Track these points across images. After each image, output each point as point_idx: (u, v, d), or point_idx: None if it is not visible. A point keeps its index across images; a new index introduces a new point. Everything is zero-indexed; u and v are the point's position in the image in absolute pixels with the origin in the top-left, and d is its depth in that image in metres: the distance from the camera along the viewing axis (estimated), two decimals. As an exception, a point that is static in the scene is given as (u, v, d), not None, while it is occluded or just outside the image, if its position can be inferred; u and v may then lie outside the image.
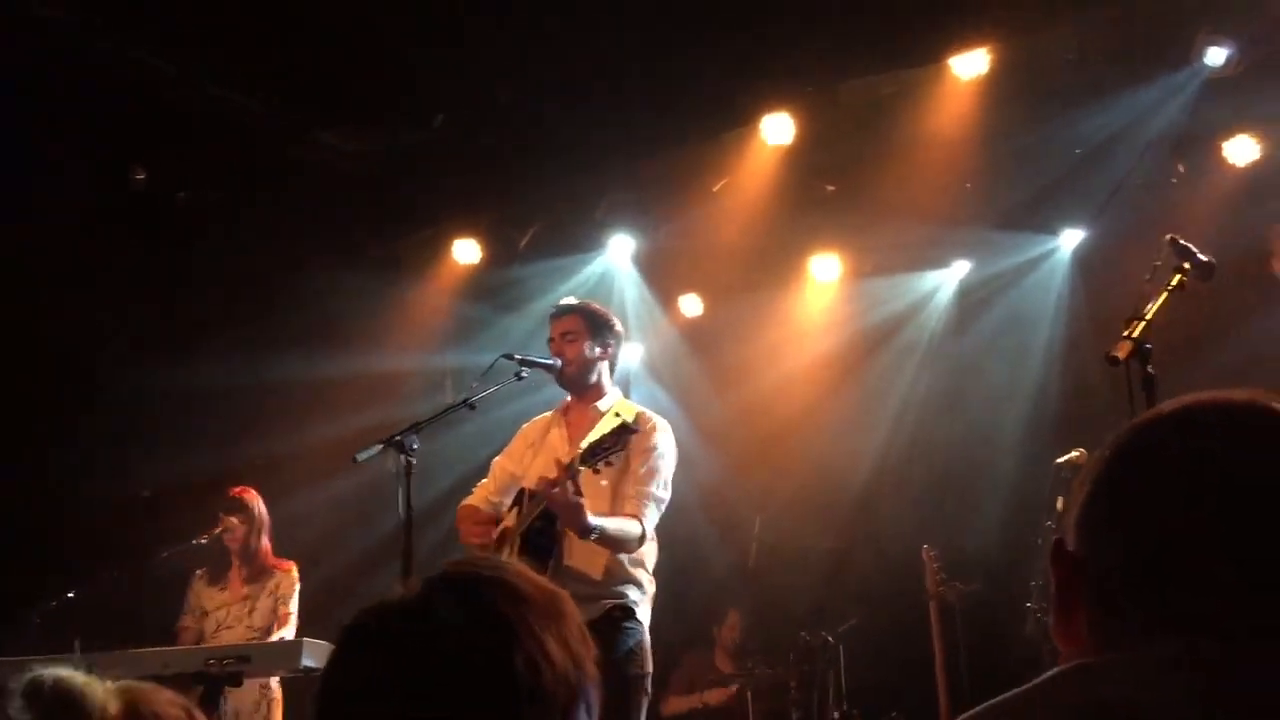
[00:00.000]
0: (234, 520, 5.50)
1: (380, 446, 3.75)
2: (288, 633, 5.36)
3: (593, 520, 3.77)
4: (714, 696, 7.05)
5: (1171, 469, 1.07)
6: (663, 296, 7.71)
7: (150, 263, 6.63)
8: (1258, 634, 0.99)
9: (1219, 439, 1.07)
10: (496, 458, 4.48)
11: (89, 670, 1.58)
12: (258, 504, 5.61)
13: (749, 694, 6.83)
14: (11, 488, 6.19)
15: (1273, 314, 5.56)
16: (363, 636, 1.14)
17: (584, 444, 3.87)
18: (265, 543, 5.59)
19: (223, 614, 5.48)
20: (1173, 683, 0.97)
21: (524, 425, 4.50)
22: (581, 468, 3.79)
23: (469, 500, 4.45)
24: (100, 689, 1.52)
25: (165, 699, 1.58)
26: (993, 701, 1.07)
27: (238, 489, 5.64)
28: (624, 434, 3.76)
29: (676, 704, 7.23)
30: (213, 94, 6.23)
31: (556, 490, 3.73)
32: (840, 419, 7.52)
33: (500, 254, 7.41)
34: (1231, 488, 1.04)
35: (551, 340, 4.33)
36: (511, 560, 1.21)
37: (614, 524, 3.90)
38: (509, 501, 4.32)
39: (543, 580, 1.20)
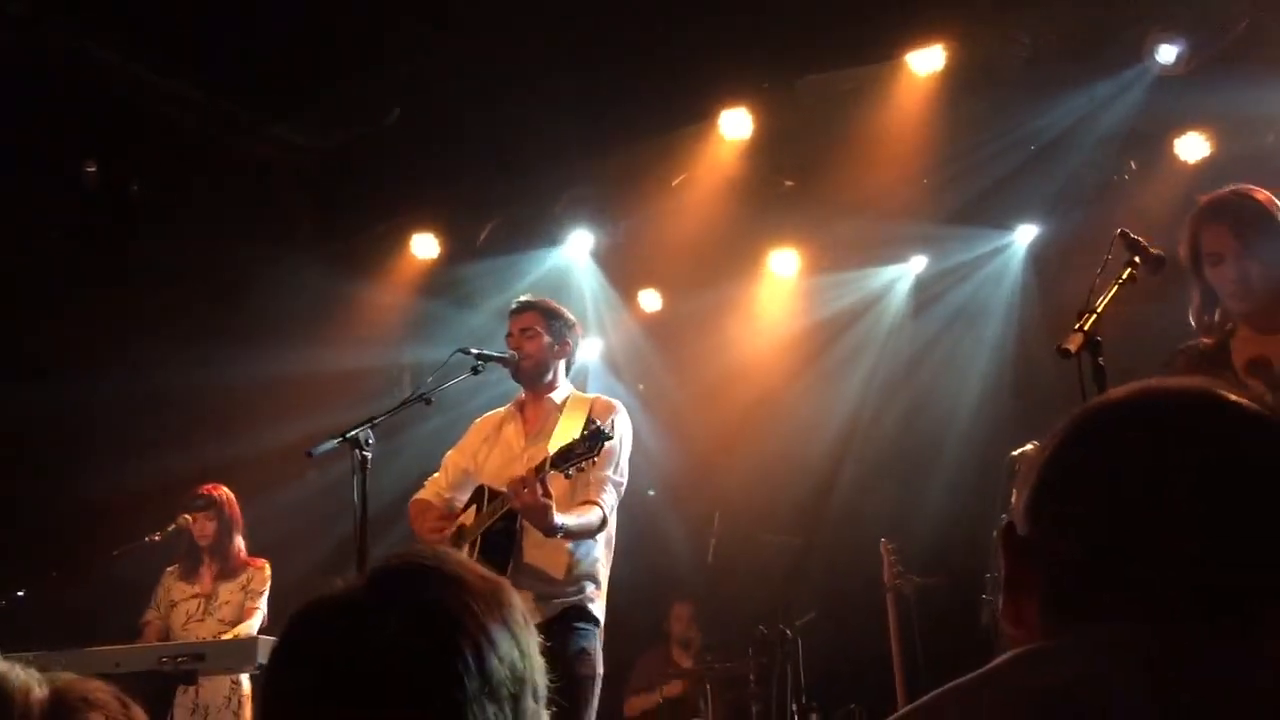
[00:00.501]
0: (201, 517, 5.45)
1: (336, 441, 3.72)
2: (252, 625, 5.32)
3: (558, 520, 3.77)
4: (671, 689, 7.07)
5: (1133, 450, 1.07)
6: (622, 291, 7.70)
7: (101, 259, 6.54)
8: (1216, 613, 0.99)
9: (1182, 419, 1.08)
10: (449, 452, 4.46)
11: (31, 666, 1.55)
12: (229, 501, 5.57)
13: (708, 686, 6.85)
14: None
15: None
16: (304, 633, 1.12)
17: (553, 446, 3.87)
18: (238, 540, 5.55)
19: (192, 606, 5.43)
20: (1124, 664, 0.98)
21: (477, 420, 4.48)
22: (552, 471, 3.78)
23: (421, 494, 4.43)
24: (22, 674, 1.48)
25: (94, 685, 1.55)
26: (944, 687, 1.07)
27: (208, 486, 5.59)
28: (597, 441, 3.76)
29: (637, 703, 7.23)
30: (165, 88, 6.16)
31: (526, 491, 3.72)
32: (799, 413, 7.56)
33: (458, 249, 7.37)
34: (1201, 467, 1.04)
35: (510, 335, 4.32)
36: (450, 550, 1.20)
37: (576, 519, 3.90)
38: (462, 497, 4.30)
39: (484, 569, 1.19)
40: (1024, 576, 1.11)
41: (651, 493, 7.19)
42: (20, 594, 4.99)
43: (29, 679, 1.49)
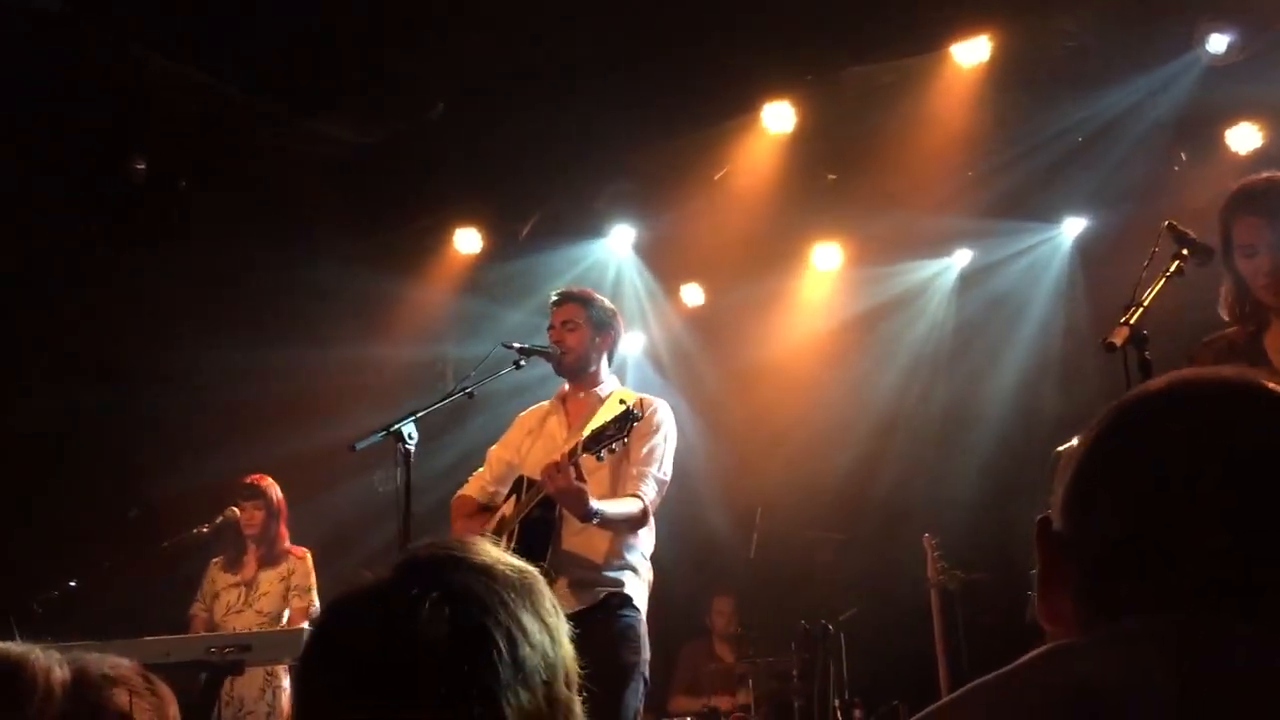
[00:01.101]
0: (249, 506, 5.52)
1: (379, 435, 3.75)
2: (305, 624, 5.36)
3: (594, 505, 3.77)
4: (722, 702, 7.05)
5: (1165, 443, 1.06)
6: (664, 286, 7.70)
7: (148, 256, 6.63)
8: (1244, 606, 0.98)
9: (1215, 412, 1.07)
10: (492, 447, 4.48)
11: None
12: (275, 491, 5.64)
13: (751, 682, 6.84)
14: (16, 479, 6.21)
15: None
16: (337, 626, 1.14)
17: (586, 431, 3.86)
18: (283, 529, 5.62)
19: (233, 597, 5.51)
20: (1151, 658, 0.97)
21: (520, 414, 4.50)
22: (584, 454, 3.78)
23: (464, 491, 4.45)
24: (42, 656, 1.51)
25: (116, 662, 1.57)
26: (976, 683, 1.07)
27: (254, 476, 5.66)
28: (627, 421, 3.75)
29: (683, 703, 7.23)
30: (209, 85, 6.22)
31: (559, 475, 3.72)
32: (841, 408, 7.52)
33: (501, 243, 7.40)
34: (1232, 459, 1.03)
35: (552, 328, 4.32)
36: (480, 539, 1.20)
37: (614, 506, 3.89)
38: (506, 490, 4.31)
39: (513, 558, 1.20)
40: (1058, 571, 1.11)
41: None
42: (72, 584, 5.07)
43: (50, 660, 1.52)
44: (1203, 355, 3.20)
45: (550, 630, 1.15)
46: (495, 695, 1.07)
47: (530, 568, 1.20)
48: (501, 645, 1.09)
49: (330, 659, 1.12)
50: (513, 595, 1.13)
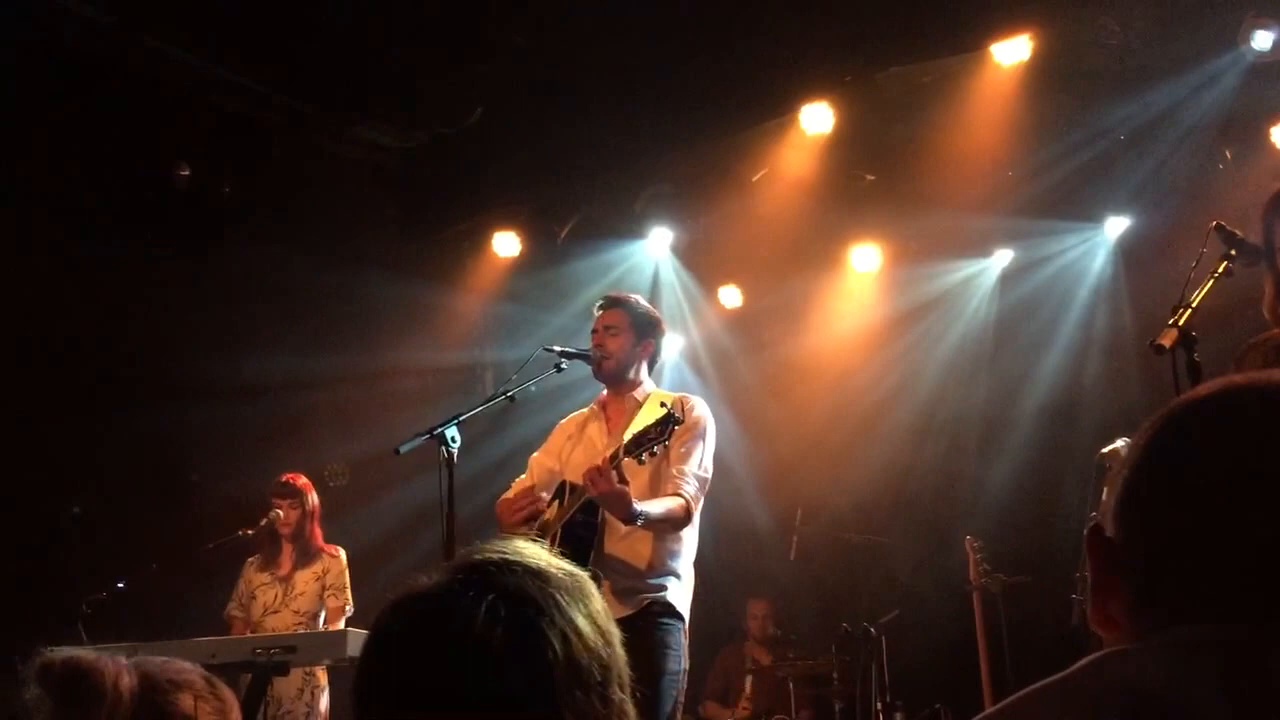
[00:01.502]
0: (286, 505, 5.58)
1: (422, 438, 3.77)
2: (342, 623, 5.41)
3: (637, 506, 3.77)
4: (740, 713, 7.05)
5: (1218, 450, 1.05)
6: (702, 288, 7.70)
7: (192, 261, 6.71)
8: None
9: (1268, 418, 1.06)
10: (534, 454, 4.49)
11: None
12: (310, 490, 5.70)
13: (791, 685, 6.82)
14: (60, 482, 6.30)
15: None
16: (393, 629, 1.15)
17: (628, 434, 3.87)
18: (317, 528, 5.67)
19: (270, 596, 5.55)
20: (1203, 666, 0.96)
21: (561, 421, 4.50)
22: (626, 458, 3.78)
23: (506, 496, 4.46)
24: (111, 662, 1.54)
25: (181, 667, 1.60)
26: (1026, 690, 1.07)
27: (289, 475, 5.71)
28: (668, 424, 3.75)
29: (713, 709, 7.22)
30: (251, 91, 6.30)
31: (601, 479, 3.73)
32: (881, 410, 7.49)
33: (540, 246, 7.43)
34: (1270, 474, 1.02)
35: (595, 332, 4.32)
36: (532, 543, 1.21)
37: (657, 506, 3.88)
38: (549, 496, 4.32)
39: (564, 560, 1.21)
40: (1110, 578, 1.10)
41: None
42: (120, 586, 5.14)
43: (119, 665, 1.55)
44: (1250, 356, 3.15)
45: (604, 633, 1.16)
46: (552, 697, 1.08)
47: (582, 571, 1.21)
48: (557, 647, 1.10)
49: (389, 661, 1.13)
50: (566, 598, 1.14)
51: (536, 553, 1.19)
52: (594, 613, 1.16)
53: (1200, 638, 0.99)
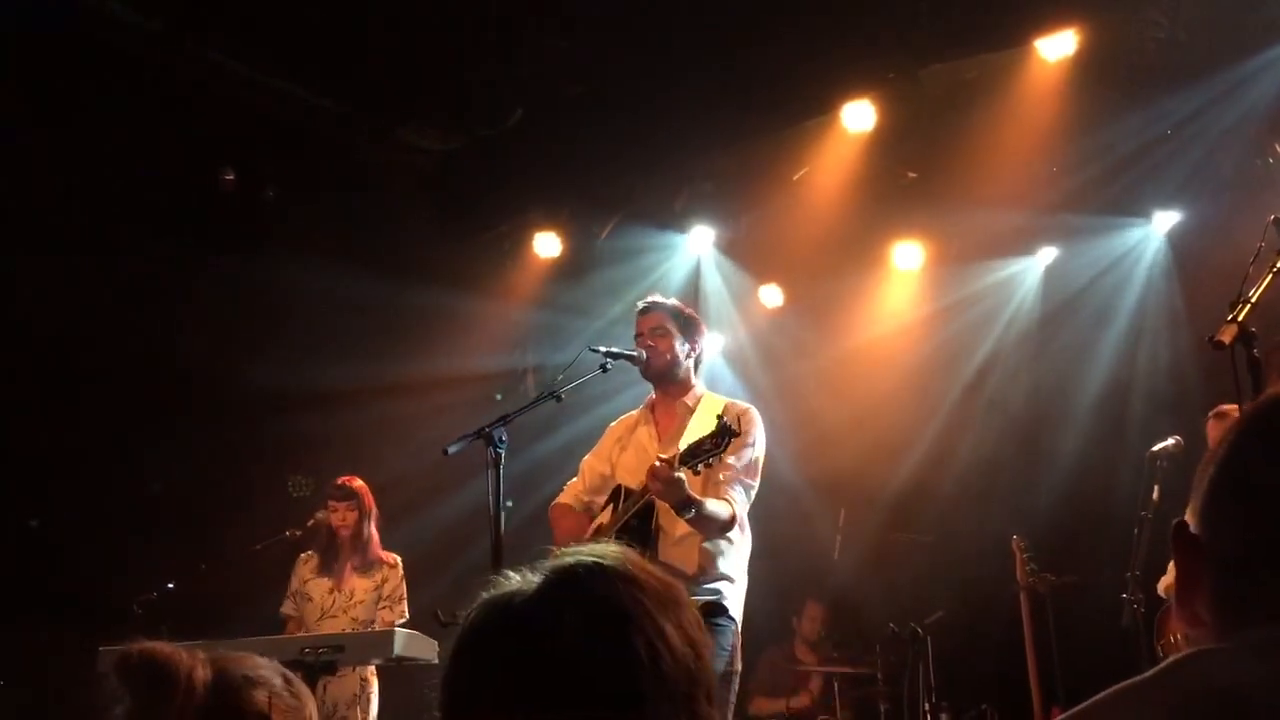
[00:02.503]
0: (343, 507, 5.57)
1: (470, 438, 3.78)
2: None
3: (692, 495, 3.78)
4: (799, 701, 7.02)
5: None
6: (744, 287, 7.68)
7: (236, 267, 6.76)
8: None
9: None
10: (585, 458, 4.49)
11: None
12: (367, 492, 5.67)
13: (835, 685, 6.79)
14: (113, 484, 6.38)
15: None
16: (482, 633, 1.14)
17: (683, 443, 3.88)
18: (374, 532, 5.64)
19: (327, 602, 5.55)
20: None
21: (611, 424, 4.51)
22: (682, 467, 3.79)
23: (560, 499, 4.46)
24: (186, 655, 1.56)
25: (256, 663, 1.61)
26: (1112, 690, 1.06)
27: (345, 477, 5.68)
28: (725, 436, 3.75)
29: (763, 705, 7.20)
30: (294, 96, 6.34)
31: (658, 466, 3.74)
32: (925, 409, 7.44)
33: (581, 247, 7.44)
34: None
35: (639, 336, 4.31)
36: (627, 549, 1.20)
37: (709, 504, 3.90)
38: (601, 500, 4.33)
39: (657, 569, 1.19)
40: (1196, 576, 1.09)
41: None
42: (170, 586, 5.20)
43: (194, 659, 1.57)
44: (1275, 358, 3.11)
45: (694, 644, 1.14)
46: (640, 705, 1.07)
47: (675, 580, 1.20)
48: (644, 656, 1.09)
49: (476, 666, 1.13)
50: (657, 606, 1.13)
51: (630, 558, 1.18)
52: (685, 623, 1.14)
53: None
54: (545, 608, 1.11)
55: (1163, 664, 1.05)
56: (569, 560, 1.16)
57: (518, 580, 1.15)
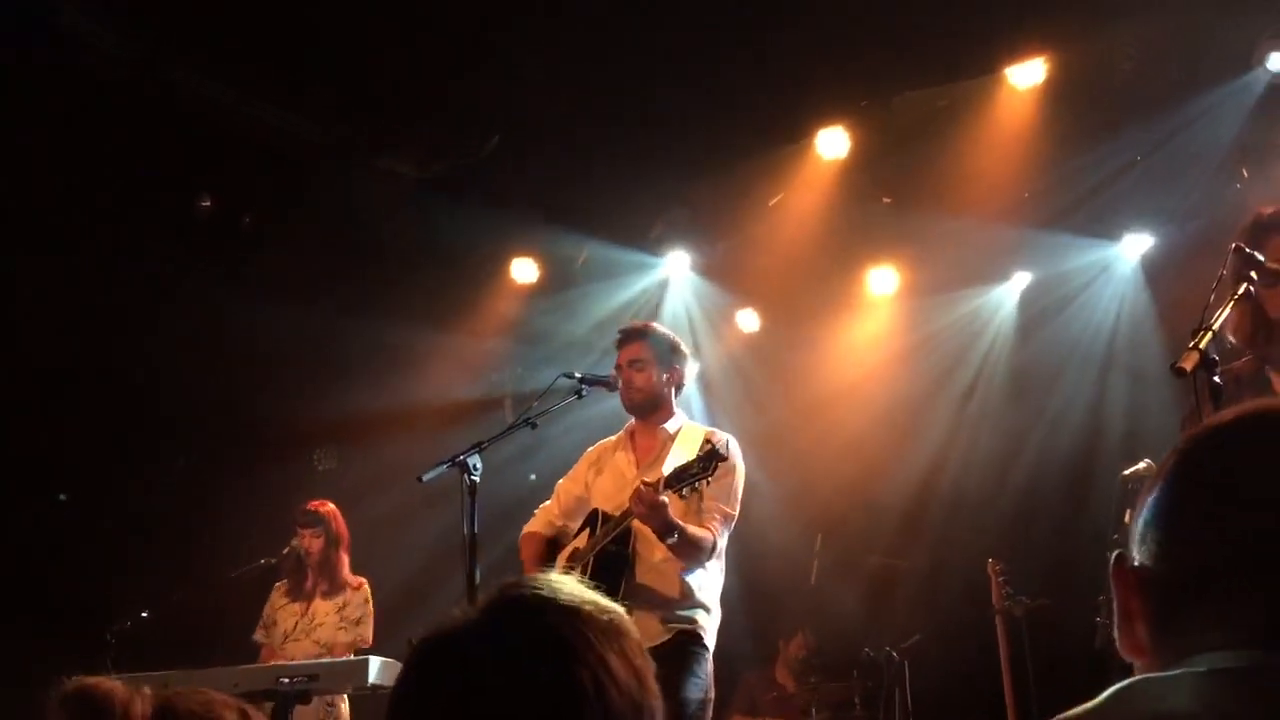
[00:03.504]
0: (309, 534, 5.57)
1: (444, 467, 3.78)
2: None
3: (675, 520, 3.78)
4: None
5: (1235, 478, 1.06)
6: (720, 312, 7.71)
7: (212, 291, 6.75)
8: None
9: None
10: (560, 481, 4.49)
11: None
12: (336, 519, 5.67)
13: (813, 710, 6.79)
14: (84, 511, 6.34)
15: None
16: (428, 663, 1.15)
17: (667, 467, 3.88)
18: (344, 556, 5.65)
19: (290, 624, 5.55)
20: (1234, 696, 0.97)
21: (588, 449, 4.51)
22: (666, 490, 3.79)
23: (531, 526, 4.45)
24: (125, 690, 1.56)
25: (210, 698, 1.60)
26: (1057, 718, 1.07)
27: (315, 502, 5.70)
28: (712, 461, 3.76)
29: None
30: (273, 121, 6.35)
31: (644, 489, 3.74)
32: (900, 433, 7.47)
33: (558, 273, 7.46)
34: None
35: (619, 367, 4.32)
36: (568, 577, 1.21)
37: (691, 529, 3.91)
38: (574, 524, 4.33)
39: (600, 598, 1.20)
40: (1134, 605, 1.11)
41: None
42: (144, 615, 5.16)
43: (131, 694, 1.57)
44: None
45: (638, 673, 1.15)
46: None
47: (618, 608, 1.20)
48: (589, 691, 1.09)
49: (420, 698, 1.14)
50: (601, 638, 1.13)
51: (572, 589, 1.18)
52: (628, 652, 1.15)
53: (1230, 665, 0.99)
54: (487, 640, 1.12)
55: (1105, 693, 1.07)
56: (512, 592, 1.17)
57: (463, 612, 1.16)
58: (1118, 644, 1.13)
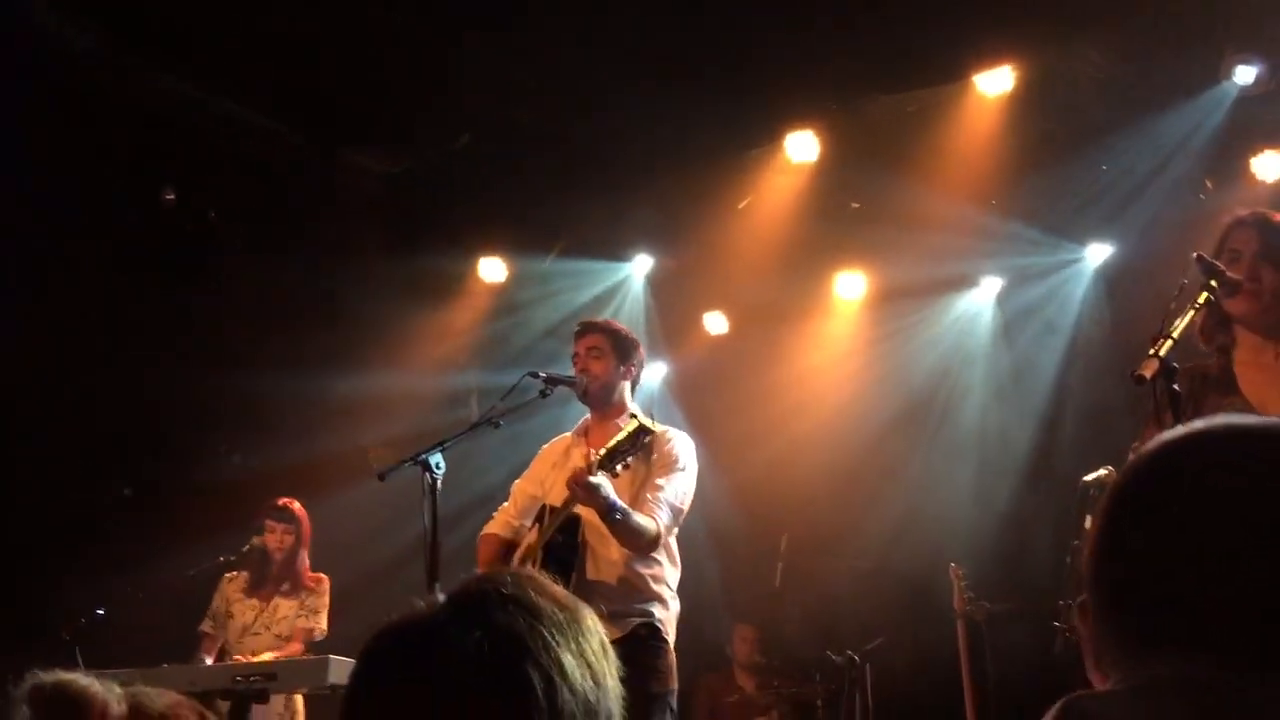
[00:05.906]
0: (281, 529, 5.56)
1: (405, 464, 3.76)
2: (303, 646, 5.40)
3: (614, 498, 3.77)
4: None
5: (1180, 496, 1.07)
6: (688, 314, 7.71)
7: (177, 287, 6.68)
8: (1260, 661, 0.98)
9: (1232, 466, 1.07)
10: (516, 481, 4.48)
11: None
12: (305, 518, 5.68)
13: (774, 713, 6.79)
14: (47, 502, 6.26)
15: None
16: (382, 658, 1.14)
17: (602, 450, 3.88)
18: (305, 557, 5.66)
19: (249, 618, 5.51)
20: (1177, 709, 0.97)
21: (543, 447, 4.50)
22: (600, 471, 3.79)
23: (489, 528, 4.43)
24: (102, 689, 1.53)
25: (177, 701, 1.59)
26: None
27: (284, 499, 5.68)
28: (640, 437, 3.78)
29: None
30: (239, 116, 6.30)
31: (578, 470, 3.74)
32: (866, 435, 7.49)
33: (526, 271, 7.44)
34: (1244, 515, 1.03)
35: (576, 356, 4.32)
36: (532, 573, 1.20)
37: (633, 513, 3.89)
38: (530, 523, 4.32)
39: (562, 593, 1.19)
40: (1099, 642, 1.12)
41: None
42: (100, 612, 5.10)
43: (108, 695, 1.55)
44: (1179, 380, 3.18)
45: (594, 671, 1.13)
46: None
47: (579, 603, 1.19)
48: (538, 689, 1.08)
49: (371, 691, 1.13)
50: (556, 635, 1.12)
51: (533, 584, 1.17)
52: (585, 650, 1.14)
53: (1176, 680, 1.00)
54: (440, 637, 1.11)
55: (1052, 709, 1.07)
56: (472, 587, 1.16)
57: (419, 608, 1.15)
58: (1090, 675, 1.13)
